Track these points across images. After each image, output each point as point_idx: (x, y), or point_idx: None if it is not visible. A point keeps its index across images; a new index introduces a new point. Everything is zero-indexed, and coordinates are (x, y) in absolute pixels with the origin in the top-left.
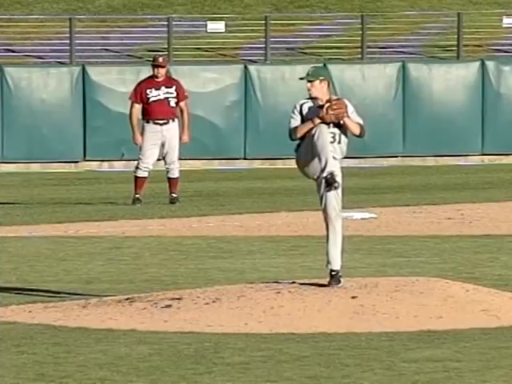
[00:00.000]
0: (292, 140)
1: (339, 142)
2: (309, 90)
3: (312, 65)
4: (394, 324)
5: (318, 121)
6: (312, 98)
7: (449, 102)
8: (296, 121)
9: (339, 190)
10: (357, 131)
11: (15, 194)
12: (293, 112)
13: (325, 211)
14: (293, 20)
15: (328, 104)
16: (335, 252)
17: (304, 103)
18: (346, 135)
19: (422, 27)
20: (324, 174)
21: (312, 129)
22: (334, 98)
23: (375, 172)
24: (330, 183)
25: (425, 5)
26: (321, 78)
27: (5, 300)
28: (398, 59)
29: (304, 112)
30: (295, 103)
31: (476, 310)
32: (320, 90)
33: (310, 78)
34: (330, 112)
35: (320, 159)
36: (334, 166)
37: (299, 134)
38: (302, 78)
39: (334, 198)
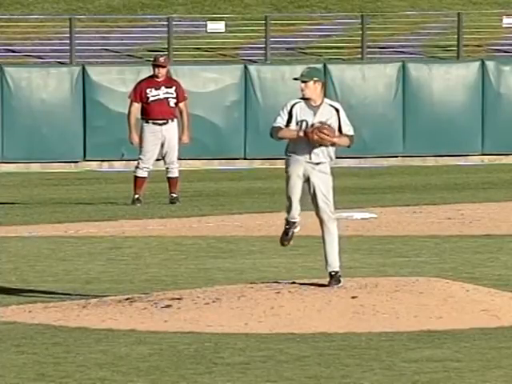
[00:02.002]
0: (271, 137)
1: (327, 146)
2: (302, 90)
3: (307, 65)
4: (394, 324)
5: (301, 133)
6: (305, 99)
7: (449, 102)
8: (282, 120)
9: (330, 196)
10: (346, 144)
11: (15, 194)
12: (282, 110)
13: (317, 215)
14: (293, 20)
15: (318, 125)
16: (333, 254)
17: (296, 103)
18: None
19: (422, 27)
20: (285, 219)
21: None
22: (336, 104)
23: (375, 172)
24: (283, 236)
25: (425, 5)
26: (315, 78)
27: (5, 300)
28: (398, 59)
29: (294, 113)
30: (287, 102)
31: (476, 310)
32: (314, 91)
33: (304, 78)
34: (317, 133)
35: (288, 197)
36: (298, 213)
37: (280, 135)
38: (296, 79)
39: (323, 202)
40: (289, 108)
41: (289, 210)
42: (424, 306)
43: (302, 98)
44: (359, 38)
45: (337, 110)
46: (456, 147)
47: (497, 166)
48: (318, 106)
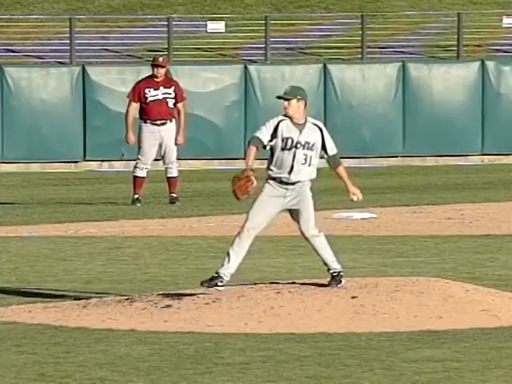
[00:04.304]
0: (248, 143)
1: (309, 165)
2: (285, 108)
3: (290, 84)
4: (394, 324)
5: (247, 166)
6: (289, 117)
7: (449, 101)
8: (267, 133)
9: (311, 213)
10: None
11: (15, 194)
12: (268, 123)
13: (300, 231)
14: (293, 20)
15: (239, 178)
16: (329, 258)
17: (282, 120)
18: (317, 157)
19: (422, 27)
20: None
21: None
22: (251, 174)
23: (375, 172)
24: (207, 280)
25: (425, 5)
26: (298, 97)
27: (5, 300)
28: (398, 59)
29: (280, 129)
30: (274, 117)
31: (476, 310)
32: (297, 109)
33: (287, 96)
34: (246, 179)
35: (228, 253)
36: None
37: (248, 149)
38: (279, 97)
39: (303, 220)
40: (275, 123)
41: (225, 263)
42: (424, 306)
43: (285, 115)
44: (359, 38)
45: (320, 130)
46: (456, 147)
47: (497, 165)
48: (303, 125)
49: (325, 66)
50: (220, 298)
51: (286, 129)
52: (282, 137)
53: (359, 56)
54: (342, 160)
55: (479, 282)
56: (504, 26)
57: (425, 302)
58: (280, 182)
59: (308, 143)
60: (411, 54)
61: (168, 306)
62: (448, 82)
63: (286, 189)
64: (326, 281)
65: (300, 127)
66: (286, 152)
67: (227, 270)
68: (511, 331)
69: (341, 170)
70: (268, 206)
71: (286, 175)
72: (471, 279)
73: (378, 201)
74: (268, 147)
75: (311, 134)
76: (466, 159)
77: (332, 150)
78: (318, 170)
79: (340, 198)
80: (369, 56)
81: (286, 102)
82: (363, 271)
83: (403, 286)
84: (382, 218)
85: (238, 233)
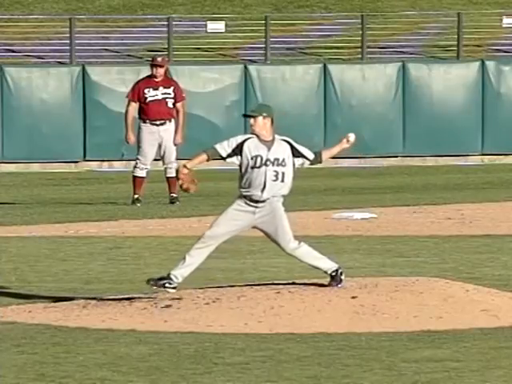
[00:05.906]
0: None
1: (282, 181)
2: (252, 126)
3: (258, 103)
4: (394, 324)
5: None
6: (256, 135)
7: (449, 101)
8: (227, 147)
9: (286, 229)
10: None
11: (15, 194)
12: (232, 138)
13: (282, 250)
14: (293, 20)
15: (180, 173)
16: (321, 263)
17: (248, 138)
18: (292, 172)
19: (421, 27)
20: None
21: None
22: (185, 172)
23: (375, 172)
24: (156, 279)
25: (425, 5)
26: (264, 114)
27: (5, 300)
28: (398, 59)
29: (246, 148)
30: (240, 135)
31: (476, 310)
32: (263, 126)
33: (252, 113)
34: (180, 178)
35: (184, 258)
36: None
37: (202, 151)
38: (244, 115)
39: (280, 239)
40: (239, 141)
41: (179, 265)
42: (424, 305)
43: (252, 133)
44: (359, 38)
45: (289, 143)
46: (456, 147)
47: (497, 165)
48: (272, 142)
49: (325, 66)
50: (220, 298)
51: (254, 147)
52: (250, 155)
53: (359, 56)
54: (320, 150)
55: (479, 282)
56: (504, 26)
57: (425, 301)
58: (250, 199)
59: (277, 159)
60: (411, 54)
61: (168, 306)
62: (448, 81)
63: (256, 206)
64: (325, 281)
65: (268, 144)
66: (256, 170)
67: (179, 272)
68: (511, 331)
69: (325, 154)
70: (234, 219)
71: (258, 193)
72: (471, 279)
73: (378, 201)
74: (236, 165)
75: (280, 150)
76: (466, 159)
77: (309, 154)
78: (319, 169)
79: (340, 198)
80: (369, 56)
81: (251, 120)
82: (363, 271)
83: (403, 285)
84: (382, 218)
85: (199, 239)
